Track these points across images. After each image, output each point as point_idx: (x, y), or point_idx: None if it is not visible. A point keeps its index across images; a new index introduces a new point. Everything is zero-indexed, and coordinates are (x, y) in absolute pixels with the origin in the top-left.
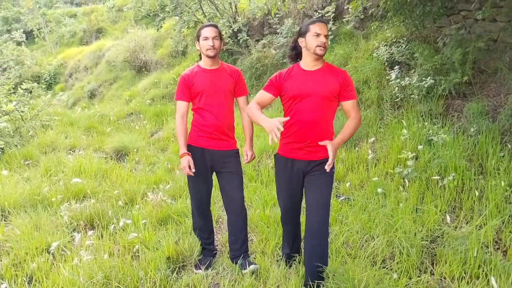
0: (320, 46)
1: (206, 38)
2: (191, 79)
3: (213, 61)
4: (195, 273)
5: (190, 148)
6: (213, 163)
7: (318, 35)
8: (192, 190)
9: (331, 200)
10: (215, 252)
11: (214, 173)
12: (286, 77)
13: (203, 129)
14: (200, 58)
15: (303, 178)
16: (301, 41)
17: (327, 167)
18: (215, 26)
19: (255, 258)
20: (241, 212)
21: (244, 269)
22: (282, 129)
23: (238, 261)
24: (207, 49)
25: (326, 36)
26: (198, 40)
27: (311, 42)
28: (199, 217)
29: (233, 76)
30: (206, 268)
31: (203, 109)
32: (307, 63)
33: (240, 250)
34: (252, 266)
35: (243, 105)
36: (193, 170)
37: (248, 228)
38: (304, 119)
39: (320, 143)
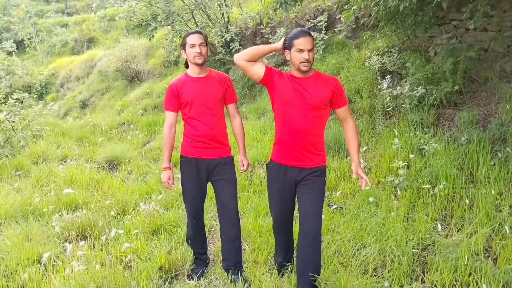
0: (303, 62)
1: (193, 46)
2: (179, 89)
3: (201, 69)
4: (188, 283)
5: (184, 159)
6: (208, 173)
7: (301, 51)
8: (188, 200)
9: (323, 209)
10: (207, 261)
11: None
12: (281, 77)
13: (196, 139)
14: (187, 67)
15: (295, 187)
16: (286, 53)
17: (363, 183)
18: (201, 33)
19: (247, 267)
20: (236, 221)
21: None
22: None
23: (230, 273)
24: (194, 57)
25: (310, 51)
26: (184, 48)
27: (295, 57)
28: (192, 227)
29: (222, 83)
30: (199, 278)
31: (193, 119)
32: (297, 72)
33: (234, 260)
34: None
35: (233, 112)
36: (173, 186)
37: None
38: (294, 127)
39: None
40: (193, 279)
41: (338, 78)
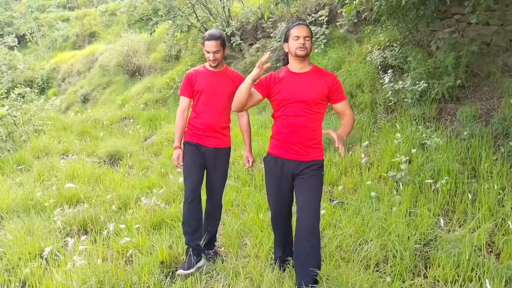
0: (299, 47)
1: (208, 52)
2: (195, 77)
3: (217, 65)
4: (178, 275)
5: (186, 143)
6: (205, 159)
7: (297, 37)
8: (187, 179)
9: (321, 202)
10: (199, 251)
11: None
12: (276, 80)
13: (198, 127)
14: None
15: (293, 181)
16: (285, 47)
17: (341, 151)
18: (217, 39)
19: (248, 262)
20: (215, 216)
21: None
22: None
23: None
24: (209, 61)
25: (307, 37)
26: (204, 45)
27: (291, 45)
28: (188, 209)
29: (234, 81)
30: (188, 268)
31: (200, 108)
32: (294, 66)
33: (210, 240)
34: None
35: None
36: (181, 164)
37: (241, 232)
38: (292, 122)
39: (324, 132)
40: (182, 270)
41: (339, 73)
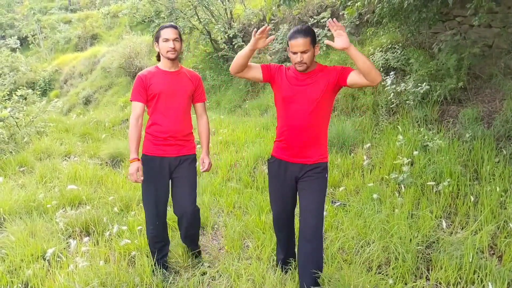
0: (297, 64)
1: (166, 40)
2: (149, 80)
3: (173, 63)
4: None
5: (146, 158)
6: (170, 170)
7: (294, 53)
8: (149, 201)
9: (325, 205)
10: (167, 265)
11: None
12: (283, 73)
13: (159, 136)
14: (159, 60)
15: (296, 184)
16: (288, 50)
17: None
18: (175, 28)
19: (250, 264)
20: (192, 223)
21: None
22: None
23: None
24: (167, 51)
25: (305, 52)
26: (158, 41)
27: (291, 58)
28: (154, 240)
29: (192, 81)
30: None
31: (159, 113)
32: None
33: (192, 250)
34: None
35: (200, 111)
36: (142, 178)
37: (243, 234)
38: (294, 124)
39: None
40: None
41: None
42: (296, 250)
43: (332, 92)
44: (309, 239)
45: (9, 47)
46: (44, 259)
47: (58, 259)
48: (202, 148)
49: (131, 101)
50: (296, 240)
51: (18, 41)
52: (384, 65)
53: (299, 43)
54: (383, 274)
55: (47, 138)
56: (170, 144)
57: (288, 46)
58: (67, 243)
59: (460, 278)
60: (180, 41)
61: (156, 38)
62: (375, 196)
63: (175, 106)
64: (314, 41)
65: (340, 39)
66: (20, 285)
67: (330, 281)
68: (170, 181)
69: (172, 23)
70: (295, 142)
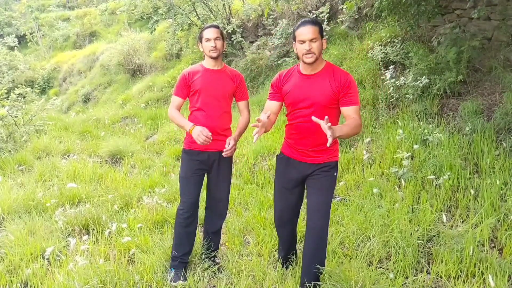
0: (306, 54)
1: (208, 40)
2: (192, 77)
3: (216, 62)
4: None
5: (186, 152)
6: (208, 165)
7: (302, 42)
8: (184, 193)
9: (331, 204)
10: (187, 262)
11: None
12: (285, 79)
13: None
14: (203, 59)
15: (303, 181)
16: (294, 45)
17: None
18: (217, 27)
19: (251, 260)
20: (222, 215)
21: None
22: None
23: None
24: (210, 50)
25: (314, 39)
26: (201, 41)
27: (298, 49)
28: (182, 229)
29: (234, 80)
30: (184, 280)
31: (199, 109)
32: (304, 67)
33: (215, 249)
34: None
35: (242, 108)
36: (210, 134)
37: (244, 230)
38: (302, 127)
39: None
40: (179, 281)
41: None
42: (297, 246)
43: (337, 100)
44: (314, 239)
45: (7, 45)
46: (44, 258)
47: (57, 257)
48: (236, 131)
49: (173, 95)
50: (298, 237)
51: (16, 39)
52: (384, 59)
53: (309, 30)
54: (383, 268)
55: (46, 136)
56: None
57: (295, 39)
58: (67, 241)
59: (461, 272)
60: (221, 40)
61: (200, 39)
62: (375, 190)
63: (214, 103)
64: (321, 33)
65: (331, 138)
66: (19, 284)
67: (330, 276)
68: (206, 174)
69: (214, 23)
70: (303, 144)
